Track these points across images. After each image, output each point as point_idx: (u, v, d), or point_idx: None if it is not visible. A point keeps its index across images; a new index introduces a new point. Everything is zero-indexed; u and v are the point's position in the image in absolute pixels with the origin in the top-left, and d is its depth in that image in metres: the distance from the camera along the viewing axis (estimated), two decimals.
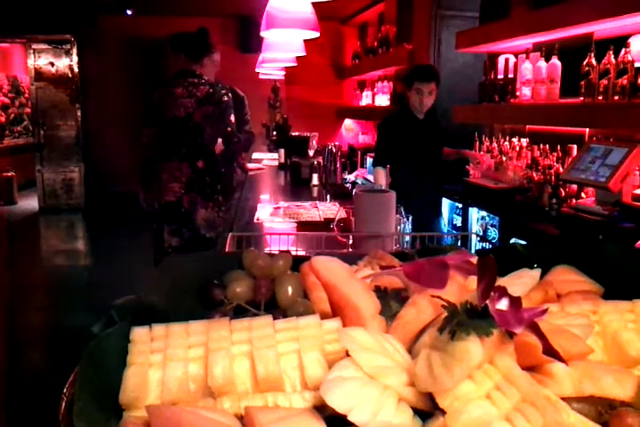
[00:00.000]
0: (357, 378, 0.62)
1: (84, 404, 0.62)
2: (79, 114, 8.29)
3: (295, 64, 4.95)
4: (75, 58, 8.18)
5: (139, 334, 0.73)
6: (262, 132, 7.56)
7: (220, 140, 3.41)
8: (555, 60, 3.38)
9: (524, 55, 3.69)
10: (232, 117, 3.34)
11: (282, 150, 5.45)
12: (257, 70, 6.55)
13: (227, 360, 0.69)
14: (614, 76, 2.86)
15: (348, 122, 8.59)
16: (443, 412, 0.60)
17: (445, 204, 4.28)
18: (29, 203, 8.55)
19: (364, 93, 7.57)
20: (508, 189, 3.60)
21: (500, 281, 0.85)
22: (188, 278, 0.94)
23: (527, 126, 4.05)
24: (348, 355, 0.65)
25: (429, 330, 0.70)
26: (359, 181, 6.19)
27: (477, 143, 4.30)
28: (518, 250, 1.02)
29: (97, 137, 8.53)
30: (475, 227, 3.90)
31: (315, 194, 3.99)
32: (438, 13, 4.82)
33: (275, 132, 6.74)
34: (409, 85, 3.63)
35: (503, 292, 0.68)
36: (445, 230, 4.20)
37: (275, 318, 0.76)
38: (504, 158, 3.85)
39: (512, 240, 3.27)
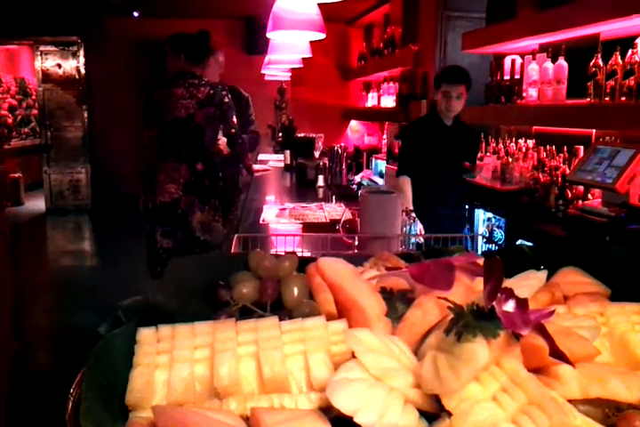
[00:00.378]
0: (363, 380, 0.62)
1: (90, 404, 0.62)
2: (86, 115, 8.32)
3: (301, 65, 4.96)
4: (81, 60, 8.22)
5: (145, 334, 0.73)
6: (268, 134, 7.57)
7: (225, 141, 3.39)
8: (561, 61, 3.37)
9: (531, 56, 3.68)
10: (234, 118, 3.32)
11: (287, 152, 5.45)
12: (263, 72, 6.56)
13: (233, 361, 0.69)
14: (621, 76, 2.85)
15: (353, 123, 8.58)
16: (449, 414, 0.60)
17: None
18: (36, 204, 8.58)
19: (370, 95, 7.57)
20: (514, 191, 3.59)
21: (507, 283, 0.84)
22: (194, 279, 0.94)
23: (534, 127, 4.04)
24: (353, 356, 0.65)
25: (435, 332, 0.70)
26: (365, 183, 6.18)
27: (484, 144, 4.30)
28: (525, 251, 1.02)
29: (103, 138, 8.56)
30: (481, 228, 3.89)
31: (320, 195, 3.99)
32: (444, 14, 4.81)
33: (280, 134, 6.74)
34: (436, 87, 3.33)
35: (510, 293, 0.68)
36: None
37: (281, 320, 0.76)
38: (510, 160, 3.85)
39: (518, 242, 3.27)
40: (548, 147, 3.69)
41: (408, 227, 2.12)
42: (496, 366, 0.63)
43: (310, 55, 3.78)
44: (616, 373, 0.68)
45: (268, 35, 2.91)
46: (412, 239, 1.78)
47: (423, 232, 2.09)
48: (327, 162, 4.42)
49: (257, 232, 2.31)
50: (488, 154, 4.23)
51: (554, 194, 3.28)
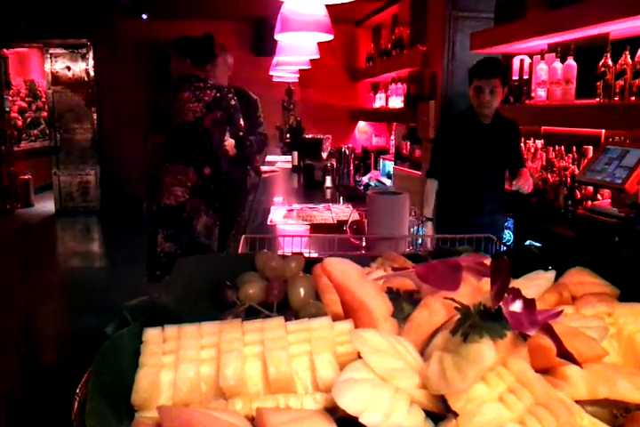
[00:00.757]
0: (369, 380, 0.61)
1: (96, 404, 0.62)
2: (95, 117, 8.37)
3: (309, 67, 4.96)
4: (91, 62, 8.27)
5: (151, 335, 0.73)
6: (276, 135, 7.57)
7: (232, 142, 3.38)
8: (570, 61, 3.35)
9: (540, 56, 3.66)
10: (241, 121, 3.32)
11: (295, 153, 5.45)
12: (271, 73, 6.57)
13: (239, 361, 0.69)
14: (631, 76, 2.83)
15: (361, 124, 8.58)
16: (455, 414, 0.60)
17: None
18: (46, 205, 8.63)
19: (378, 95, 7.56)
20: None
21: (514, 283, 0.84)
22: (200, 280, 0.95)
23: (542, 128, 4.02)
24: (359, 357, 0.65)
25: (442, 332, 0.70)
26: (372, 184, 6.18)
27: None
28: (533, 252, 1.02)
29: (112, 140, 8.60)
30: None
31: (328, 196, 3.99)
32: (452, 15, 4.79)
33: (288, 135, 6.74)
34: (469, 82, 3.06)
35: (517, 294, 0.67)
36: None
37: (287, 320, 0.76)
38: None
39: (527, 242, 3.25)
40: (557, 147, 3.67)
41: (416, 228, 2.11)
42: (503, 367, 0.62)
43: (318, 56, 3.78)
44: (624, 373, 0.67)
45: (276, 36, 2.91)
46: (420, 240, 1.77)
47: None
48: (335, 163, 4.41)
49: (264, 233, 2.31)
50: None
51: (563, 194, 3.27)
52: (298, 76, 6.74)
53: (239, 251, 1.41)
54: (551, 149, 3.72)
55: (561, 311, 0.68)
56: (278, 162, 5.93)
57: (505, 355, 0.63)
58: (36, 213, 8.44)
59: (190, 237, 3.20)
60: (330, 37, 2.81)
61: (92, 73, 8.29)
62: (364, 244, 1.79)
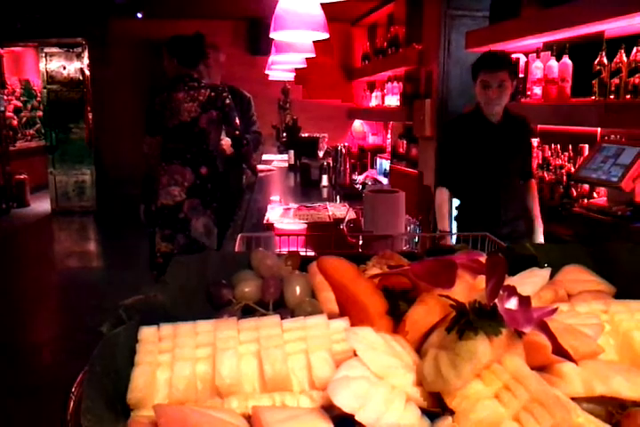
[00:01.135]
0: (365, 378, 0.61)
1: (91, 403, 0.62)
2: (90, 117, 8.35)
3: (305, 65, 4.96)
4: (86, 61, 8.24)
5: (147, 333, 0.73)
6: (272, 134, 7.57)
7: (228, 141, 3.38)
8: (566, 60, 3.36)
9: (535, 54, 3.66)
10: (237, 120, 3.31)
11: (291, 152, 5.45)
12: (267, 72, 6.56)
13: (234, 360, 0.69)
14: (626, 74, 2.84)
15: (356, 124, 8.58)
16: (451, 412, 0.60)
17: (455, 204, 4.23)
18: (42, 205, 8.61)
19: (374, 94, 7.56)
20: None
21: (510, 280, 0.84)
22: (196, 279, 0.94)
23: (538, 126, 4.02)
24: (355, 355, 0.65)
25: (437, 330, 0.70)
26: (369, 182, 6.17)
27: None
28: (528, 249, 1.02)
29: (108, 139, 8.58)
30: None
31: (324, 195, 3.99)
32: (448, 13, 4.80)
33: (284, 134, 6.74)
34: (474, 78, 2.76)
35: (512, 291, 0.67)
36: None
37: (282, 318, 0.76)
38: None
39: None
40: (552, 145, 3.68)
41: (412, 226, 2.11)
42: (498, 364, 0.62)
43: (314, 55, 3.78)
44: (620, 370, 0.67)
45: (272, 35, 2.91)
46: (416, 238, 1.77)
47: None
48: (331, 162, 4.42)
49: (261, 232, 2.31)
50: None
51: (559, 192, 3.27)
52: (294, 75, 6.73)
53: (235, 250, 1.40)
54: (547, 147, 3.72)
55: (556, 309, 0.68)
56: (275, 161, 5.93)
57: (500, 352, 0.63)
58: (31, 212, 8.42)
59: (189, 238, 3.19)
60: (325, 36, 2.80)
61: (87, 72, 8.26)
62: (360, 242, 1.79)
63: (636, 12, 2.65)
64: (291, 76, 6.85)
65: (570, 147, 3.52)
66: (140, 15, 8.05)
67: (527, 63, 3.76)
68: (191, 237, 3.19)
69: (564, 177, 3.35)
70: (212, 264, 1.00)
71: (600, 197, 3.05)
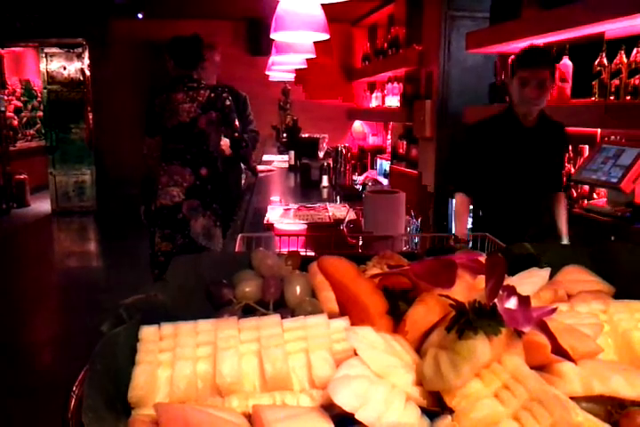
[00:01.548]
0: (365, 377, 0.62)
1: (92, 402, 0.62)
2: (91, 117, 8.35)
3: (305, 66, 4.96)
4: (86, 61, 8.25)
5: (147, 332, 0.73)
6: (272, 135, 7.58)
7: (227, 142, 3.38)
8: (566, 60, 3.36)
9: None
10: (237, 122, 3.31)
11: (292, 152, 5.45)
12: (267, 73, 6.57)
13: (235, 359, 0.69)
14: (626, 75, 2.84)
15: (356, 125, 8.58)
16: (451, 411, 0.60)
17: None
18: (42, 205, 8.61)
19: (374, 95, 7.56)
20: None
21: (510, 280, 0.84)
22: (197, 278, 0.95)
23: None
24: (355, 354, 0.65)
25: (437, 329, 0.70)
26: (369, 183, 6.18)
27: None
28: (528, 249, 1.02)
29: (108, 140, 8.58)
30: None
31: (325, 195, 3.99)
32: (448, 14, 4.80)
33: (285, 134, 6.75)
34: (512, 74, 2.52)
35: (512, 291, 0.67)
36: None
37: (283, 318, 0.76)
38: None
39: None
40: None
41: (412, 227, 2.12)
42: (498, 364, 0.63)
43: (314, 56, 3.78)
44: (619, 370, 0.68)
45: (272, 35, 2.91)
46: (416, 239, 1.77)
47: None
48: (331, 162, 4.42)
49: (261, 232, 2.31)
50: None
51: None
52: (294, 75, 6.74)
53: (236, 250, 1.40)
54: None
55: (556, 308, 0.68)
56: (275, 161, 5.93)
57: (500, 351, 0.63)
58: (32, 212, 8.42)
59: (187, 238, 3.19)
60: (326, 37, 2.81)
61: (87, 72, 8.27)
62: (360, 242, 1.79)
63: (637, 13, 2.65)
64: (291, 77, 6.86)
65: (570, 147, 3.52)
66: (140, 15, 8.06)
67: None
68: (190, 237, 3.19)
69: (564, 178, 3.35)
70: (213, 264, 1.00)
71: (600, 198, 3.06)
